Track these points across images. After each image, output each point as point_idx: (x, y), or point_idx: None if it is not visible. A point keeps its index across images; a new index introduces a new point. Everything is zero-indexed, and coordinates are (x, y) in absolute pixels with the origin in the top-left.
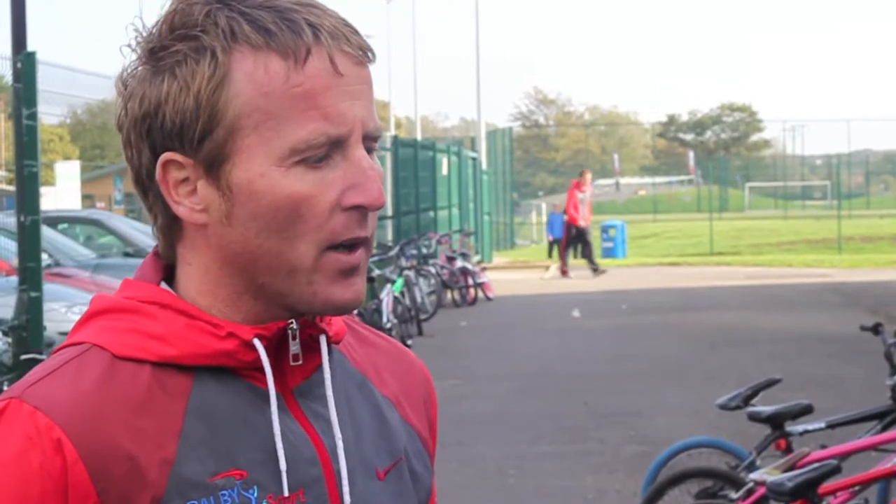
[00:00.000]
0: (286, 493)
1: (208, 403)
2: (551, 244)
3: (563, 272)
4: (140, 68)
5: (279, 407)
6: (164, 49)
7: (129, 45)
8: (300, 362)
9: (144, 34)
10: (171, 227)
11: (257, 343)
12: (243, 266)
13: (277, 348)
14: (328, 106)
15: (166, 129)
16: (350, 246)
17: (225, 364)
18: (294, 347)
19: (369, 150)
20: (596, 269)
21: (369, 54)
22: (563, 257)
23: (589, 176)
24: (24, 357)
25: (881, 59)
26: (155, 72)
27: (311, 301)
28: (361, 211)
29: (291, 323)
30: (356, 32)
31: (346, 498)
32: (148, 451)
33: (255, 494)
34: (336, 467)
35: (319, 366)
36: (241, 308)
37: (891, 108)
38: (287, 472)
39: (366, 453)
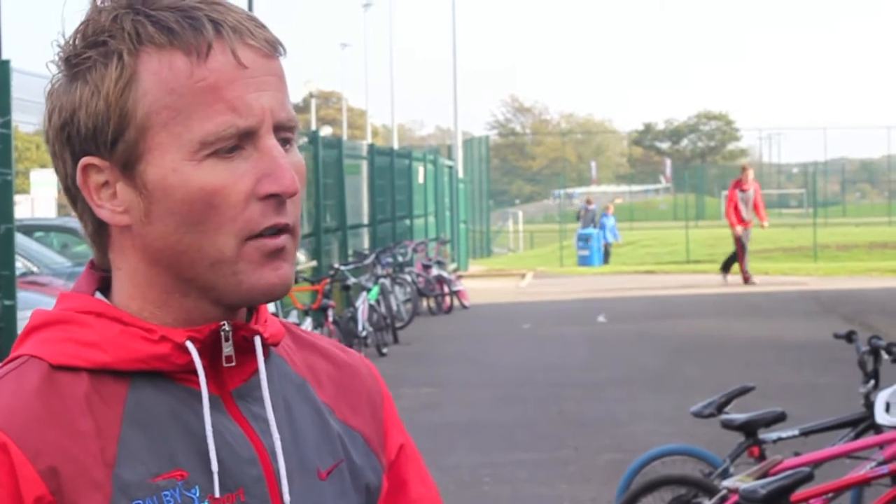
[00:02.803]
0: (217, 494)
1: (145, 408)
2: (607, 248)
3: (746, 279)
4: (60, 80)
5: (217, 409)
6: (77, 57)
7: (52, 61)
8: (233, 363)
9: (63, 47)
10: (99, 233)
11: (190, 346)
12: (168, 263)
13: (213, 351)
14: (234, 98)
15: (82, 135)
16: (274, 232)
17: (160, 368)
18: (227, 349)
19: (286, 141)
20: (725, 275)
21: (278, 47)
22: (741, 264)
23: (751, 173)
24: None
25: (857, 67)
26: (69, 80)
27: (238, 290)
28: (278, 199)
29: (224, 325)
30: (262, 26)
31: (286, 497)
32: (91, 453)
33: (197, 494)
34: (275, 467)
35: (257, 368)
36: (172, 307)
37: (867, 117)
38: (226, 472)
39: (306, 454)
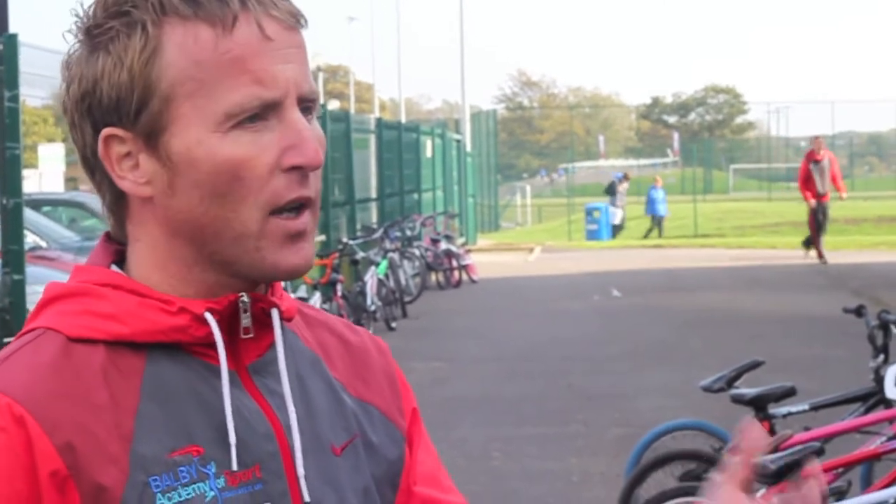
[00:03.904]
0: (234, 468)
1: (162, 381)
2: (652, 222)
3: (820, 256)
4: (79, 50)
5: (233, 384)
6: (98, 27)
7: (69, 31)
8: (251, 335)
9: (82, 17)
10: (118, 205)
11: (209, 317)
12: (191, 236)
13: (230, 325)
14: (259, 70)
15: (104, 105)
16: (296, 209)
17: (178, 340)
18: (245, 320)
19: (308, 111)
20: (807, 251)
21: (300, 19)
22: (815, 241)
23: (821, 141)
24: (7, 340)
25: (864, 41)
26: (91, 50)
27: (261, 266)
28: (301, 171)
29: (242, 296)
30: None
31: (301, 472)
32: (107, 428)
33: (213, 470)
34: (290, 442)
35: (273, 342)
36: (193, 281)
37: (875, 90)
38: (242, 448)
39: (320, 430)
